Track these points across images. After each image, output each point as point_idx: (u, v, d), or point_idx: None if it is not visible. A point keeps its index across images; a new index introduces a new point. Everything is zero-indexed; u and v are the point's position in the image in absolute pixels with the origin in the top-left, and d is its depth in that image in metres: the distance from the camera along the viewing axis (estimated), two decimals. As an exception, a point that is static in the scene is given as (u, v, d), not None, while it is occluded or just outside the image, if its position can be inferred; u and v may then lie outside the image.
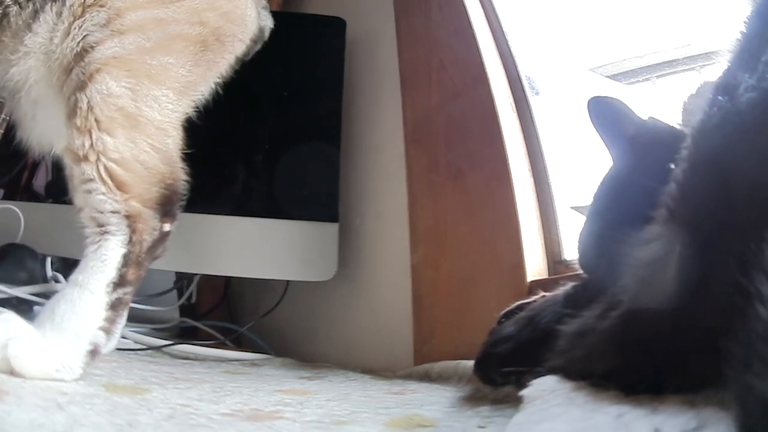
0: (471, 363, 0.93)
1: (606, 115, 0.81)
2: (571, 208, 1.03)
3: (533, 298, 0.92)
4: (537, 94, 1.39)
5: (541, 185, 1.35)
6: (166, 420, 0.56)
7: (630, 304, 0.59)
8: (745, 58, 0.52)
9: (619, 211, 0.78)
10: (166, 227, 0.84)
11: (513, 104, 1.37)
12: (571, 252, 1.28)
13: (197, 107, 0.96)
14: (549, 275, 1.26)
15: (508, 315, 0.90)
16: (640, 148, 0.78)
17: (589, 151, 1.33)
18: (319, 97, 1.60)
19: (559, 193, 1.34)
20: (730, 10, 1.05)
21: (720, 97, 0.52)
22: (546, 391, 0.59)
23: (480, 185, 1.34)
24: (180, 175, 0.86)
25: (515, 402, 0.70)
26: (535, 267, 1.24)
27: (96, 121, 0.77)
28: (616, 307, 0.61)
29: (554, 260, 1.28)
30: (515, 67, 1.38)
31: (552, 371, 0.68)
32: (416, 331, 1.37)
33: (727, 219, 0.47)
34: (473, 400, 0.77)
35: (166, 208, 0.83)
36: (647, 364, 0.55)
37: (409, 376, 1.04)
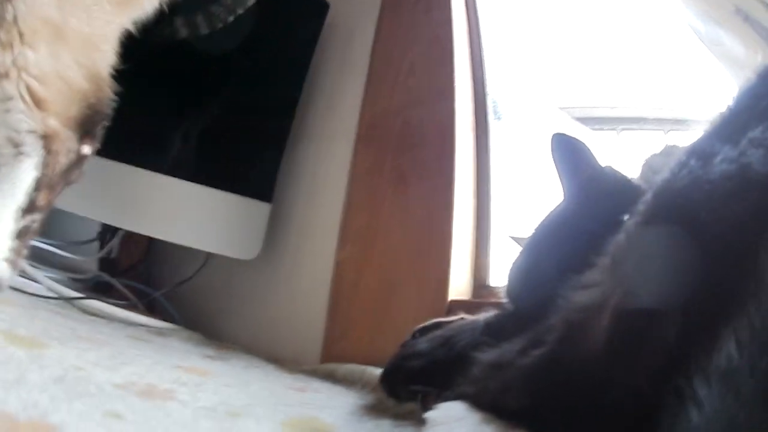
0: (378, 371, 0.88)
1: (568, 152, 0.79)
2: (511, 237, 1.00)
3: (452, 318, 0.88)
4: (499, 119, 1.36)
5: (482, 208, 1.31)
6: (55, 382, 0.50)
7: (554, 346, 0.56)
8: (728, 132, 0.50)
9: (559, 249, 0.76)
10: (85, 149, 0.76)
11: (473, 123, 1.34)
12: (497, 279, 1.25)
13: (141, 25, 0.85)
14: (472, 298, 1.22)
15: (424, 331, 0.86)
16: (593, 191, 0.76)
17: (537, 185, 1.32)
18: (283, 75, 1.51)
19: (498, 220, 1.31)
20: (708, 86, 1.05)
21: (692, 162, 0.50)
22: (452, 418, 0.55)
23: (421, 196, 1.29)
24: (106, 94, 0.78)
25: (417, 422, 0.65)
26: (459, 287, 1.21)
27: (19, 33, 0.68)
28: (538, 346, 0.57)
29: (480, 284, 1.25)
30: (483, 87, 1.35)
31: (461, 397, 0.64)
32: (329, 327, 1.32)
33: (674, 288, 0.44)
34: (375, 410, 0.72)
35: (86, 128, 0.75)
36: (560, 411, 0.51)
37: (313, 373, 0.98)
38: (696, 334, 0.42)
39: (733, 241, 0.43)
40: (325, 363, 1.18)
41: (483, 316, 0.81)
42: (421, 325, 0.88)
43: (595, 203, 0.74)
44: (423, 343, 0.78)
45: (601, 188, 0.76)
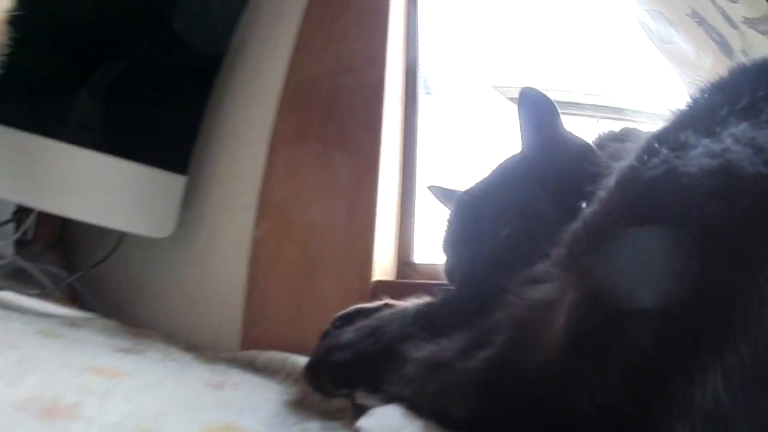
0: (301, 360, 0.81)
1: (535, 106, 0.73)
2: (430, 187, 0.93)
3: (376, 303, 0.81)
4: (429, 93, 1.29)
5: (407, 183, 1.25)
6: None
7: (502, 348, 0.50)
8: (704, 125, 0.45)
9: (507, 223, 0.70)
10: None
11: (402, 95, 1.26)
12: (421, 255, 1.20)
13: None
14: (397, 277, 1.17)
15: (346, 319, 0.78)
16: (554, 153, 0.71)
17: (464, 162, 1.27)
18: (207, 35, 1.33)
19: (423, 196, 1.24)
20: (646, 78, 1.02)
21: (664, 150, 0.44)
22: (389, 428, 0.48)
23: (345, 167, 1.21)
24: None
25: (348, 422, 0.58)
26: (384, 265, 1.15)
27: None
28: (483, 346, 0.51)
29: (404, 261, 1.19)
30: (415, 60, 1.28)
31: (395, 399, 0.57)
32: (247, 311, 1.22)
33: (647, 289, 0.39)
34: (300, 408, 0.65)
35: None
36: (510, 422, 0.46)
37: (233, 361, 0.90)
38: (673, 347, 0.37)
39: (719, 245, 0.38)
40: (245, 349, 1.09)
41: (411, 303, 0.74)
42: (342, 313, 0.81)
43: (554, 168, 0.69)
44: (348, 334, 0.70)
45: (562, 153, 0.71)
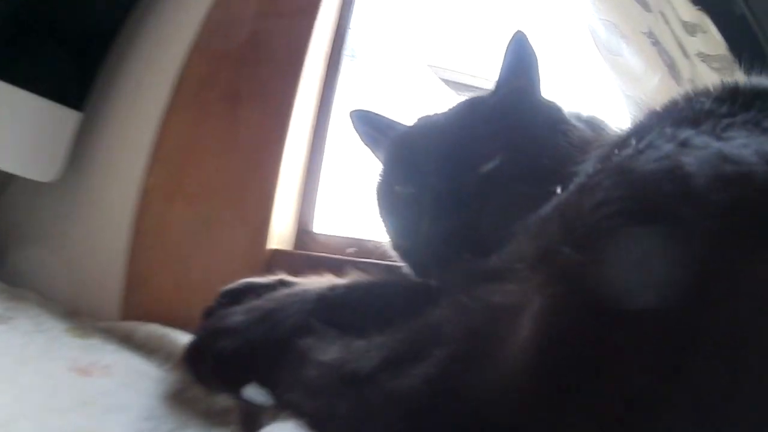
0: (183, 339, 0.69)
1: (524, 53, 0.64)
2: (354, 112, 0.75)
3: (269, 279, 0.69)
4: (353, 57, 1.18)
5: (317, 146, 1.13)
6: None
7: (447, 366, 0.39)
8: (703, 123, 0.40)
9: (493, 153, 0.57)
10: None
11: (327, 53, 1.14)
12: (321, 225, 1.10)
13: None
14: (295, 247, 1.06)
15: (235, 295, 0.66)
16: (526, 106, 0.63)
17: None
18: None
19: (330, 163, 1.14)
20: (582, 76, 0.98)
21: (659, 142, 0.38)
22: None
23: (253, 119, 1.07)
24: None
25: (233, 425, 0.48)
26: (282, 233, 1.03)
27: None
28: (419, 359, 0.41)
29: (303, 229, 1.08)
30: (347, 20, 1.16)
31: (293, 408, 0.47)
32: (129, 273, 1.04)
33: (644, 296, 0.31)
34: (179, 405, 0.53)
35: None
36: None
37: (109, 333, 0.75)
38: (677, 370, 0.30)
39: (728, 252, 0.32)
40: (126, 317, 0.93)
41: (312, 283, 0.63)
42: (230, 287, 0.68)
43: (525, 123, 0.59)
44: (236, 315, 0.58)
45: (534, 108, 0.62)
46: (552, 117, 0.61)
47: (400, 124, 0.69)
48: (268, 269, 0.88)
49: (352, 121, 0.73)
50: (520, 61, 0.63)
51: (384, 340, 0.46)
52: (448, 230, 0.54)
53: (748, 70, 0.55)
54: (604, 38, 0.88)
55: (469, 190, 0.56)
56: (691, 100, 0.45)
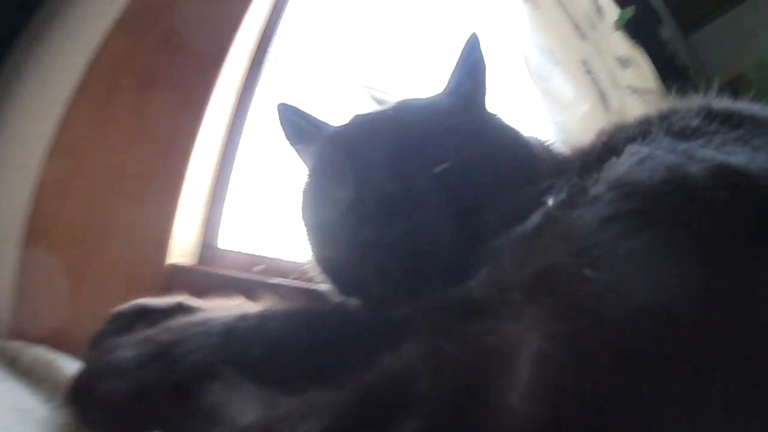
0: (70, 369, 0.57)
1: (477, 59, 0.59)
2: (281, 105, 0.63)
3: (166, 301, 0.59)
4: (275, 62, 1.09)
5: (229, 151, 1.02)
6: None
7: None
8: (716, 143, 0.36)
9: (444, 155, 0.49)
10: None
11: (252, 50, 1.04)
12: (226, 240, 0.99)
13: None
14: (198, 262, 0.94)
15: (127, 319, 0.55)
16: (479, 113, 0.57)
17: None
18: None
19: (241, 172, 1.04)
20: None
21: (660, 153, 0.34)
22: None
23: (166, 110, 0.95)
24: None
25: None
26: (184, 245, 0.92)
27: None
28: (397, 422, 0.30)
29: (207, 243, 0.97)
30: (277, 20, 1.07)
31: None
32: (20, 283, 0.89)
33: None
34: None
35: None
36: None
37: None
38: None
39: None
40: (16, 334, 0.80)
41: (219, 310, 0.53)
42: (122, 308, 0.58)
43: (479, 127, 0.53)
44: (127, 349, 0.47)
45: (487, 116, 0.56)
46: (501, 125, 0.56)
47: (329, 124, 0.60)
48: (167, 287, 0.78)
49: (279, 115, 0.63)
50: (474, 65, 0.58)
51: (324, 400, 0.35)
52: (397, 236, 0.44)
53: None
54: (537, 63, 0.86)
55: (421, 190, 0.47)
56: (668, 117, 0.41)
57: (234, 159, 1.03)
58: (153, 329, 0.50)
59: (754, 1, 0.71)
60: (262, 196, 1.03)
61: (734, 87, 0.68)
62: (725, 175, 0.30)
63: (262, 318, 0.48)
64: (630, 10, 0.78)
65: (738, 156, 0.32)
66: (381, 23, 1.16)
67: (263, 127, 1.04)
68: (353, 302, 0.52)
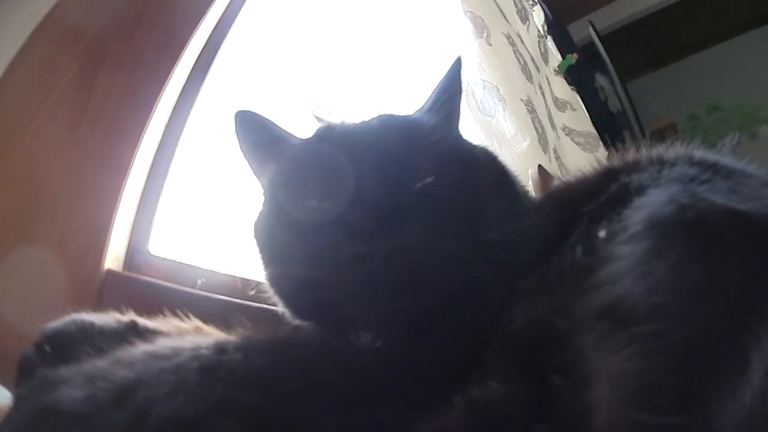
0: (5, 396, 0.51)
1: (457, 83, 0.60)
2: (240, 112, 0.57)
3: (115, 318, 0.52)
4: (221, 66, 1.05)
5: (163, 153, 0.95)
6: None
7: None
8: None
9: (429, 169, 0.48)
10: None
11: (200, 48, 0.99)
12: (160, 246, 0.93)
13: None
14: (124, 267, 0.86)
15: (61, 341, 0.47)
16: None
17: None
18: None
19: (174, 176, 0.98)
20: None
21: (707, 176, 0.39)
22: None
23: (113, 93, 0.87)
24: None
25: None
26: (119, 250, 0.85)
27: None
28: None
29: (137, 247, 0.89)
30: (225, 35, 1.03)
31: None
32: None
33: None
34: None
35: None
36: None
37: None
38: None
39: None
40: None
41: (182, 336, 0.47)
42: (54, 326, 0.49)
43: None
44: (71, 388, 0.37)
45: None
46: (475, 147, 0.56)
47: (295, 136, 0.56)
48: (101, 298, 0.73)
49: (237, 123, 0.57)
50: (456, 87, 0.59)
51: None
52: (391, 249, 0.41)
53: (610, 147, 0.56)
54: (480, 98, 0.88)
55: (408, 203, 0.45)
56: (664, 164, 0.43)
57: (172, 157, 0.96)
58: (103, 360, 0.40)
59: (689, 59, 0.77)
60: (202, 203, 0.99)
61: (663, 134, 0.74)
62: (739, 219, 0.33)
63: (245, 350, 0.41)
64: (573, 57, 0.82)
65: (738, 204, 0.35)
66: (330, 42, 1.15)
67: (202, 132, 1.01)
68: (309, 327, 0.49)
